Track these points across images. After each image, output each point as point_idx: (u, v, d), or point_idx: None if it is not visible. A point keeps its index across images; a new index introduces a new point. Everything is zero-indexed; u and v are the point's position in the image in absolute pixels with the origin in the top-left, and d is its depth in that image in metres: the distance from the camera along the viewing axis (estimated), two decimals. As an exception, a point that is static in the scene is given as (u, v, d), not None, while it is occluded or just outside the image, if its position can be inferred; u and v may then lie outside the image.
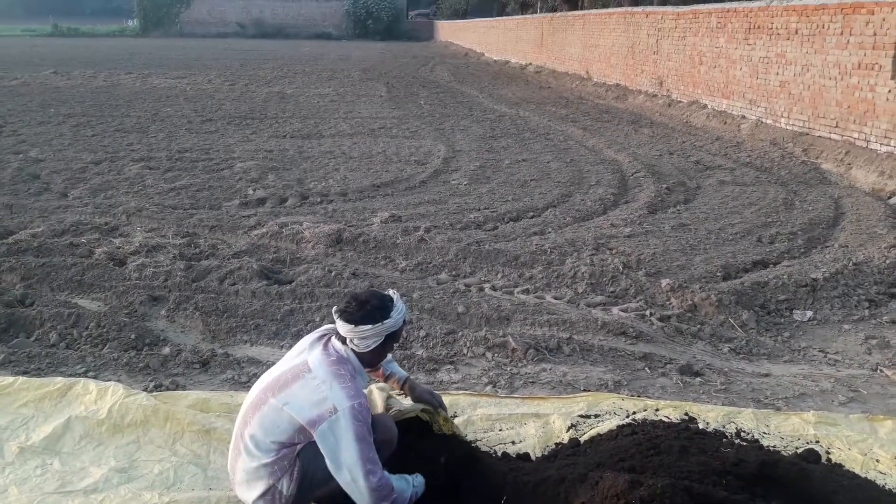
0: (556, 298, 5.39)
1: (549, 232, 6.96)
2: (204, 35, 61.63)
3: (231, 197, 8.09)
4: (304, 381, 2.57)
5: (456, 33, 53.37)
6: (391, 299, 2.72)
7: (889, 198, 8.54)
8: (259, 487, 2.60)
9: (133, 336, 4.49)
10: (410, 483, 2.71)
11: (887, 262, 5.90)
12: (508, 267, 5.94)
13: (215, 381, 4.03)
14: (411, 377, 3.23)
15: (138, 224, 6.92)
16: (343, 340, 2.69)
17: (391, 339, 2.74)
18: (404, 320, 2.75)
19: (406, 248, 6.23)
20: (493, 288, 5.59)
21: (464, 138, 12.28)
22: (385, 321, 2.65)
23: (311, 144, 11.42)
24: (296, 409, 2.54)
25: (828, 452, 3.25)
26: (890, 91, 9.29)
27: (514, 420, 3.59)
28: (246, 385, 3.92)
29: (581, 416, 3.59)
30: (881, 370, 4.26)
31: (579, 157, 10.75)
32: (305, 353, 2.69)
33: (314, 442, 2.55)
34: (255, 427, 2.60)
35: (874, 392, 3.98)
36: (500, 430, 3.50)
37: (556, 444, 3.34)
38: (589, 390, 3.93)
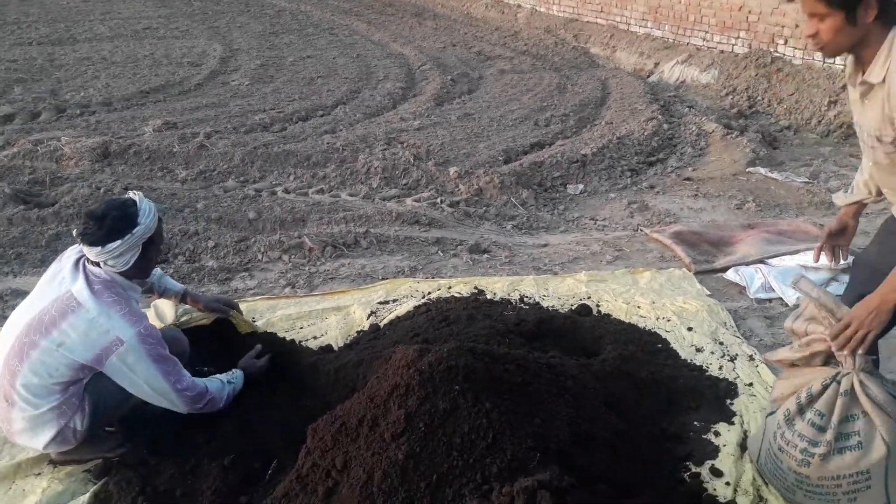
0: (351, 195, 5.38)
1: (341, 129, 6.85)
2: None
3: (-31, 116, 7.01)
4: (77, 316, 2.32)
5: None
6: (133, 202, 2.44)
7: (648, 76, 9.37)
8: (48, 432, 2.39)
9: None
10: (225, 381, 2.59)
11: (645, 133, 6.54)
12: (300, 168, 5.79)
13: (-26, 319, 3.59)
14: (189, 289, 3.05)
15: None
16: (96, 264, 2.41)
17: (151, 245, 2.48)
18: (159, 219, 2.50)
19: (185, 157, 5.82)
20: (286, 190, 5.45)
21: (241, 36, 11.51)
22: (134, 230, 2.38)
23: (64, 51, 10.10)
24: (74, 349, 2.31)
25: (598, 305, 3.63)
26: (644, -24, 10.01)
27: (315, 316, 3.60)
28: (12, 319, 3.54)
29: (380, 303, 3.69)
30: (641, 229, 4.78)
31: (366, 52, 10.55)
32: (67, 284, 2.39)
33: (100, 372, 2.38)
34: (27, 376, 2.33)
35: (635, 249, 4.47)
36: (302, 328, 3.50)
37: (357, 332, 3.41)
38: (387, 278, 4.02)
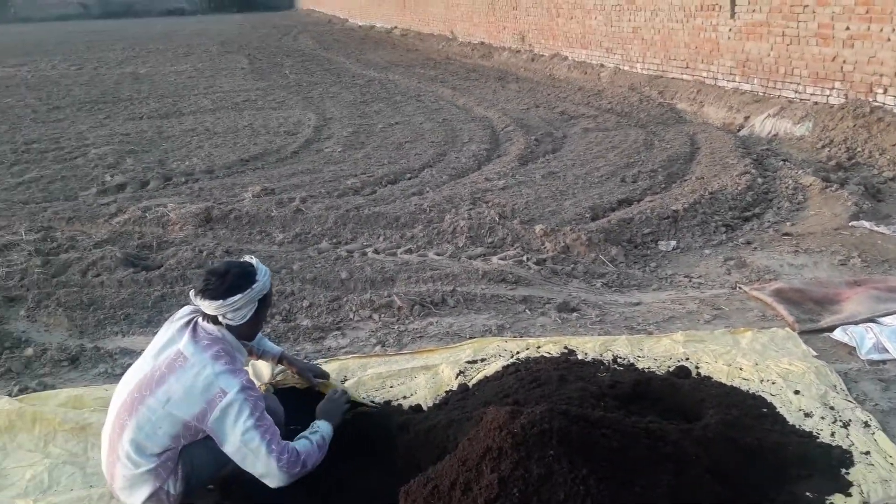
0: (438, 255, 5.44)
1: (427, 191, 7.00)
2: (43, 18, 56.35)
3: (87, 186, 7.58)
4: (183, 370, 2.44)
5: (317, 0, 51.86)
6: (251, 264, 2.63)
7: (738, 130, 9.16)
8: (144, 491, 2.50)
9: (-11, 341, 4.15)
10: (312, 439, 2.55)
11: (739, 188, 6.36)
12: (389, 229, 5.93)
13: (87, 376, 3.80)
14: (286, 351, 3.17)
15: (-16, 224, 6.37)
16: (213, 320, 2.56)
17: (264, 303, 2.65)
18: (271, 281, 2.69)
19: (282, 221, 6.08)
20: (376, 251, 5.57)
21: (334, 105, 12.05)
22: (254, 286, 2.56)
23: (171, 124, 10.86)
24: (179, 405, 2.41)
25: (697, 367, 3.49)
26: (731, 30, 9.91)
27: (405, 375, 3.61)
28: (121, 377, 3.72)
29: (468, 363, 3.67)
30: (739, 287, 4.60)
31: (451, 116, 10.81)
32: (176, 342, 2.53)
33: (196, 441, 2.48)
34: (134, 432, 2.45)
35: (735, 308, 4.29)
36: (392, 387, 3.51)
37: (446, 392, 3.39)
38: (474, 337, 4.01)
